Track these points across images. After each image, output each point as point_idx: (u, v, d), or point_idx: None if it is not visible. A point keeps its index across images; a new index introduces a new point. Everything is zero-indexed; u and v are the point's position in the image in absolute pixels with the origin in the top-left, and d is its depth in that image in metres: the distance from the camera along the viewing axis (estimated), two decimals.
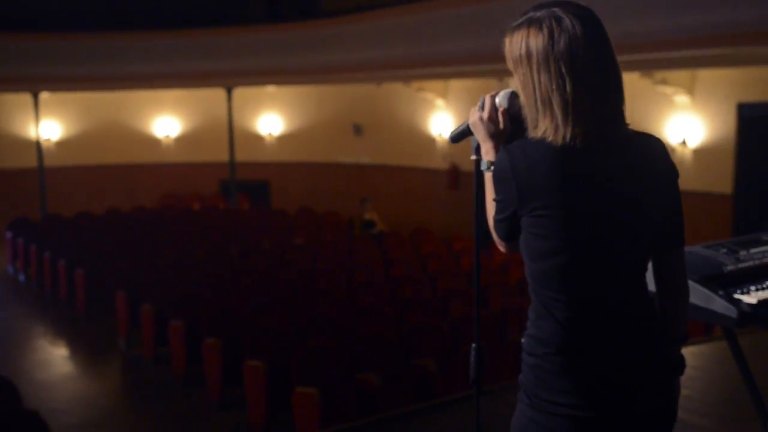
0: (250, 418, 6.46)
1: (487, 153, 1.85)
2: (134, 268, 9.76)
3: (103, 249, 11.04)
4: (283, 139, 16.81)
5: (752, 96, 9.93)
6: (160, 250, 10.81)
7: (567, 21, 1.61)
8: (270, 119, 16.78)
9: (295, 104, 16.67)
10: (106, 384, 8.22)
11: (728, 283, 2.09)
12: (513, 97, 1.81)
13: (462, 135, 1.99)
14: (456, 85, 14.23)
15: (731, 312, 2.00)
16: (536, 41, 1.63)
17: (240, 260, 10.23)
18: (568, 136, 1.62)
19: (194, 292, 8.35)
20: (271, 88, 16.32)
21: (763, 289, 2.07)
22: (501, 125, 1.84)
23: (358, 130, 16.07)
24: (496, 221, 1.76)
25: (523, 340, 1.72)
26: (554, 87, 1.61)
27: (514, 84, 1.74)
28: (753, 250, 2.25)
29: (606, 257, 1.64)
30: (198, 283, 8.83)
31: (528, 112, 1.69)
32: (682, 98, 10.42)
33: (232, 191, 15.51)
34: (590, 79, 1.61)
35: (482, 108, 1.86)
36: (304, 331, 6.88)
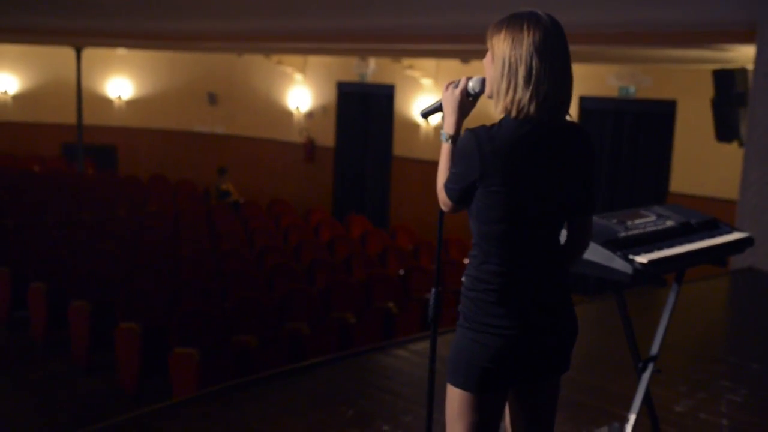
0: (121, 382, 6.48)
1: (449, 126, 2.18)
2: None
3: None
4: (132, 104, 16.34)
5: (591, 91, 10.90)
6: (5, 211, 10.33)
7: (544, 19, 2.03)
8: (120, 83, 16.26)
9: (146, 69, 16.23)
10: None
11: (622, 246, 2.57)
12: (483, 82, 2.14)
13: (433, 111, 2.32)
14: (315, 60, 14.45)
15: (627, 269, 2.48)
16: (516, 27, 2.02)
17: (96, 224, 9.99)
18: (525, 106, 2.00)
19: (54, 254, 8.14)
20: (121, 51, 15.81)
21: (650, 251, 2.56)
22: (466, 105, 2.18)
23: (213, 99, 15.91)
24: (450, 188, 2.13)
25: (463, 278, 2.15)
26: (523, 60, 1.99)
27: (486, 62, 2.09)
28: (637, 221, 2.75)
29: (537, 223, 2.10)
30: (56, 246, 8.60)
31: (494, 85, 2.06)
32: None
33: (79, 155, 14.92)
34: (553, 66, 2.01)
35: (457, 86, 2.18)
36: (177, 295, 6.96)
